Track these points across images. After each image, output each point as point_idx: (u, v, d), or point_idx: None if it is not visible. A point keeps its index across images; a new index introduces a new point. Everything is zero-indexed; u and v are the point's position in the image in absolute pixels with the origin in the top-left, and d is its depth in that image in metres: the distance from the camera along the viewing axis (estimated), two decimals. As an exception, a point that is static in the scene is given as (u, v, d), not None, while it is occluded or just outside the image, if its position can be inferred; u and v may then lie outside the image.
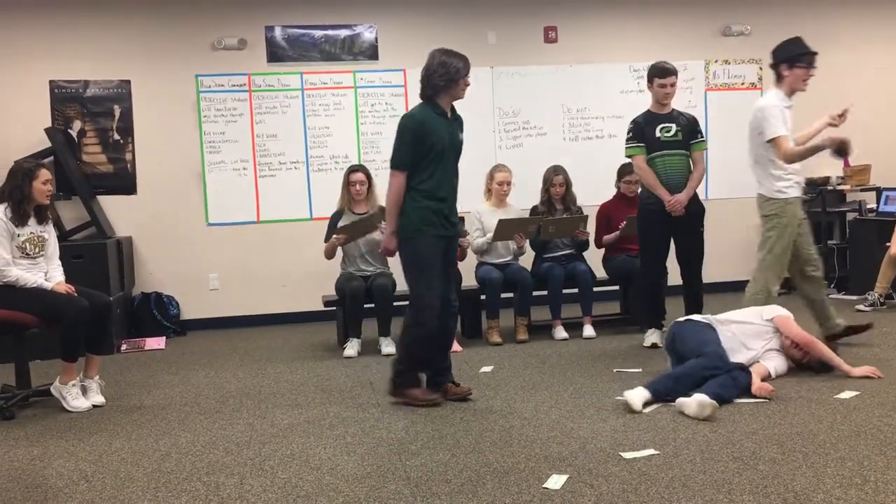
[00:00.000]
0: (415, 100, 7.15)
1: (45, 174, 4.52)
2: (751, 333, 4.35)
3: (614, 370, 4.76)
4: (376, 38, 7.26)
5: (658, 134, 5.26)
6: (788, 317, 4.41)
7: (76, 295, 4.50)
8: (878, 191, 7.45)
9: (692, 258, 5.34)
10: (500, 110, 7.35)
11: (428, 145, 4.10)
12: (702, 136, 5.44)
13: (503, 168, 6.09)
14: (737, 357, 4.24)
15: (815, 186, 7.54)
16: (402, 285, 5.70)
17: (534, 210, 6.16)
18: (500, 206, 6.06)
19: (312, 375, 5.11)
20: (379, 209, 5.63)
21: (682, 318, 4.61)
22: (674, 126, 5.30)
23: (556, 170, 6.10)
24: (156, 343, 6.45)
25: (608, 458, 3.25)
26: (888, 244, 6.46)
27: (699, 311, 4.98)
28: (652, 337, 5.35)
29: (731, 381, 3.97)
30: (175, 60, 7.01)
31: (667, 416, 3.79)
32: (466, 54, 7.22)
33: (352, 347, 5.64)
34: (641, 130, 5.28)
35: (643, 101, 7.27)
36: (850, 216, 7.62)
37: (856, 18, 7.82)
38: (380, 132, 7.22)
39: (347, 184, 5.89)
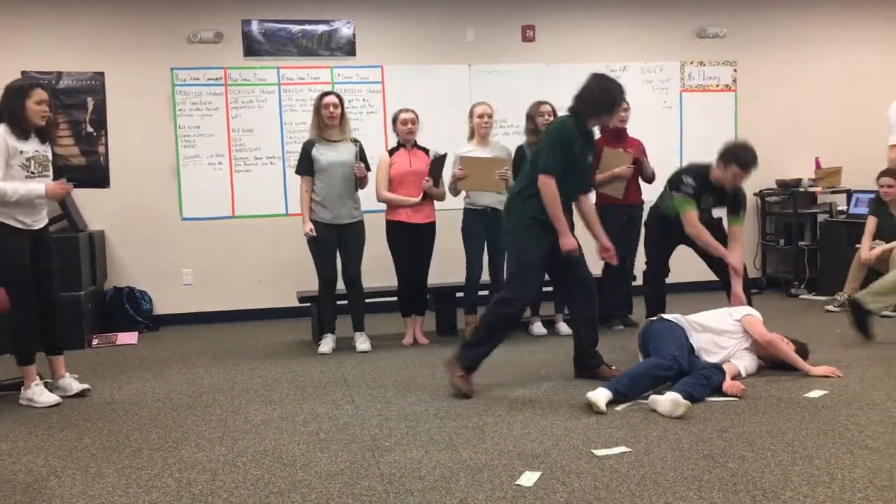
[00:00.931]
0: (392, 96, 7.24)
1: (39, 94, 4.33)
2: (722, 333, 4.41)
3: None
4: (354, 34, 7.24)
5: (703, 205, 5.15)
6: (756, 317, 4.47)
7: (71, 189, 4.57)
8: (849, 193, 7.56)
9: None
10: (477, 108, 7.35)
11: (567, 159, 4.29)
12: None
13: (482, 102, 5.90)
14: (711, 357, 4.29)
15: (787, 188, 7.63)
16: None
17: (518, 150, 5.77)
18: (484, 144, 5.81)
19: (286, 371, 5.09)
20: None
21: (653, 318, 4.65)
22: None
23: (541, 101, 5.81)
24: (128, 338, 6.39)
25: (581, 456, 3.28)
26: (858, 246, 6.56)
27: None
28: None
29: (704, 381, 4.01)
30: (150, 53, 6.95)
31: (639, 415, 3.82)
32: (444, 52, 7.39)
33: (326, 344, 5.63)
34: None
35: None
36: (821, 218, 7.73)
37: (830, 22, 7.92)
38: (357, 128, 7.16)
39: (319, 108, 5.57)
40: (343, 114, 5.61)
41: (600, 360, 4.53)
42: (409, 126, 5.74)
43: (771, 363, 4.50)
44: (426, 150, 5.80)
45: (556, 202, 4.23)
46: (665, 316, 4.56)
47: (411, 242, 5.73)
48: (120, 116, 6.94)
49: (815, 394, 4.05)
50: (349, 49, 7.24)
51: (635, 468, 3.11)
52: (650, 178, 6.09)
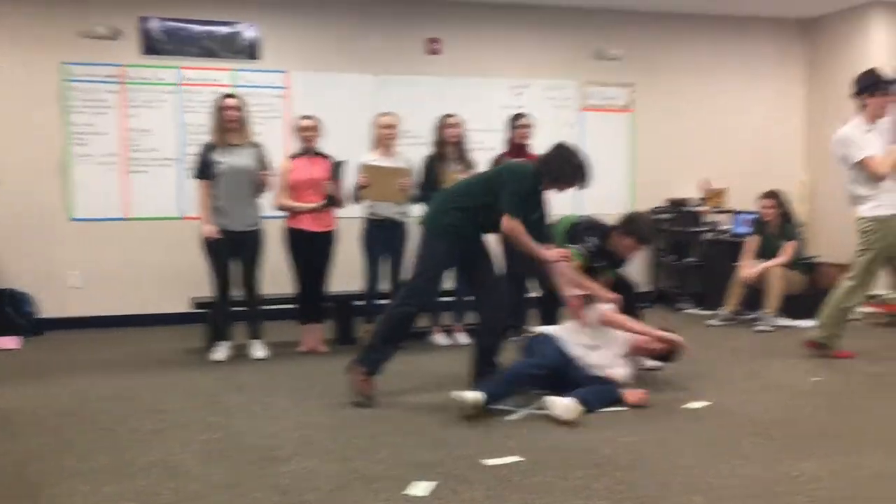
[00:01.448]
0: (296, 102, 7.18)
1: None
2: (598, 341, 4.54)
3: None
4: (258, 38, 7.15)
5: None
6: (612, 314, 4.62)
7: None
8: (732, 213, 7.95)
9: None
10: (381, 118, 7.37)
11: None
12: None
13: (387, 113, 5.93)
14: (590, 367, 4.42)
15: (677, 207, 7.97)
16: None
17: (427, 161, 5.94)
18: (388, 154, 5.84)
19: (178, 379, 4.97)
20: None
21: (537, 329, 4.78)
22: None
23: (449, 115, 6.00)
24: (9, 342, 6.10)
25: (473, 465, 3.34)
26: (739, 264, 6.91)
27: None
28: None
29: (602, 394, 4.18)
30: (39, 46, 6.68)
31: (531, 424, 3.92)
32: (350, 60, 7.39)
33: (221, 351, 5.52)
34: None
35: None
36: (707, 236, 8.10)
37: (719, 52, 8.32)
38: (259, 133, 7.06)
39: (219, 110, 5.47)
40: (244, 117, 5.53)
41: (496, 369, 4.60)
42: (309, 133, 5.71)
43: (648, 356, 4.67)
44: (327, 157, 5.79)
45: (525, 239, 4.29)
46: (546, 329, 4.69)
47: (310, 250, 5.70)
48: (5, 111, 6.63)
49: (696, 405, 4.24)
50: (252, 52, 7.15)
51: (526, 477, 3.19)
52: None
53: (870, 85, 5.24)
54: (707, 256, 7.95)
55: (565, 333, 4.52)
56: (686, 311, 7.64)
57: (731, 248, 7.48)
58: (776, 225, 6.86)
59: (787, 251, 6.74)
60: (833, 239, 8.25)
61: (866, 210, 5.23)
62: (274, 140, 7.06)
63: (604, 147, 7.96)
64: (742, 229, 7.53)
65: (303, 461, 3.39)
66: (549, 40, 7.85)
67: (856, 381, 4.80)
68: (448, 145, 5.94)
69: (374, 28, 7.42)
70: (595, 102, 7.99)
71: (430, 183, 5.81)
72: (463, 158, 5.99)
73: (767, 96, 8.50)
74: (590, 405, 4.04)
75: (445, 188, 4.74)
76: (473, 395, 3.99)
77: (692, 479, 3.17)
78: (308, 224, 5.67)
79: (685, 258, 7.97)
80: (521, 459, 3.40)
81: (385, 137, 5.83)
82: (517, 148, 6.13)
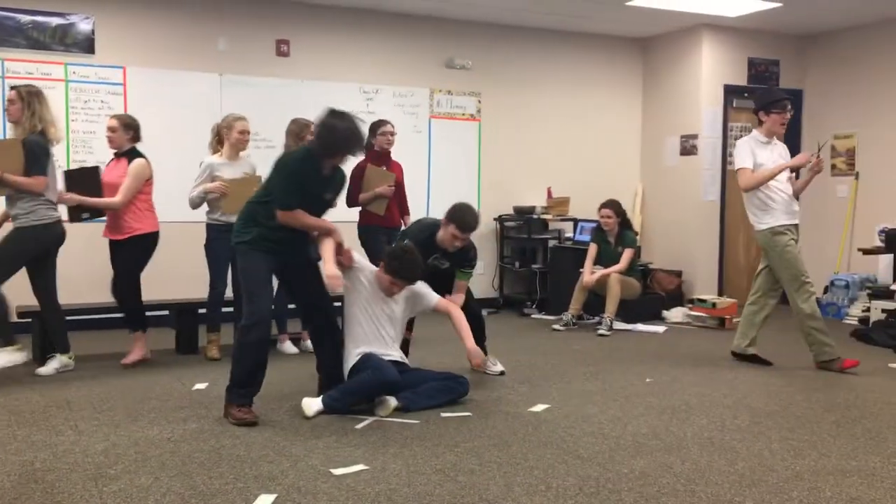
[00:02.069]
0: (135, 99, 6.85)
1: None
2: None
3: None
4: (93, 31, 6.77)
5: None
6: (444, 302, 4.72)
7: None
8: (575, 221, 8.27)
9: None
10: (227, 119, 7.15)
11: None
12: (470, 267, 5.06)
13: (242, 117, 5.64)
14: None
15: (523, 214, 8.20)
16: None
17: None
18: (235, 160, 5.61)
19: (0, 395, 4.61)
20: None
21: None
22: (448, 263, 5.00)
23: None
24: None
25: (318, 475, 3.29)
26: (581, 270, 7.19)
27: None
28: None
29: (439, 390, 4.37)
30: None
31: (378, 432, 3.91)
32: (193, 58, 7.13)
33: (50, 365, 5.16)
34: None
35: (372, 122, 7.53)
36: (551, 243, 8.38)
37: (562, 66, 8.64)
38: (93, 131, 6.73)
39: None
40: (24, 106, 4.95)
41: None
42: (108, 134, 5.45)
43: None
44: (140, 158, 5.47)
45: (306, 221, 4.15)
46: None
47: (113, 259, 5.47)
48: None
49: (539, 408, 4.37)
50: (87, 46, 6.75)
51: (371, 485, 3.18)
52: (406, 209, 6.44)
53: (767, 103, 5.45)
54: (551, 263, 8.22)
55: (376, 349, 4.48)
56: (532, 316, 7.87)
57: (573, 255, 7.78)
58: (615, 233, 7.19)
59: (624, 258, 7.08)
60: (665, 247, 8.77)
61: (762, 225, 5.43)
62: (111, 139, 6.74)
63: (451, 155, 8.10)
64: (584, 237, 7.84)
65: (136, 478, 3.23)
66: (399, 47, 7.89)
67: (686, 381, 5.10)
68: (378, 154, 6.12)
69: (221, 26, 7.20)
70: (444, 110, 8.10)
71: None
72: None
73: (607, 110, 8.91)
74: (411, 404, 4.23)
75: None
76: (313, 409, 4.12)
77: (533, 479, 3.25)
78: (107, 232, 5.45)
79: (531, 265, 8.21)
80: (367, 468, 3.38)
81: (239, 143, 5.61)
82: (378, 155, 6.12)
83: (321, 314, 4.46)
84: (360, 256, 4.60)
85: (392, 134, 6.23)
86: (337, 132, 4.08)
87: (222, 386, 4.22)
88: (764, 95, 5.68)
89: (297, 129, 5.63)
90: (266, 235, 4.13)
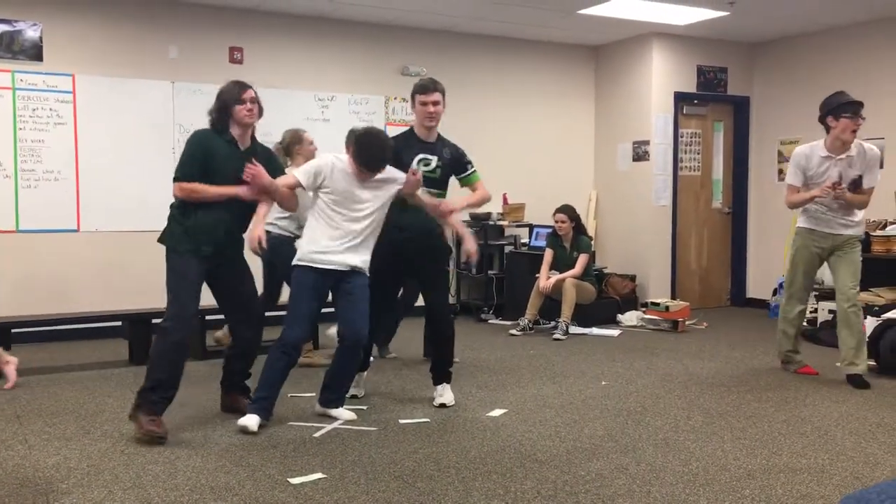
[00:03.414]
0: (84, 108, 6.74)
1: None
2: None
3: (289, 395, 4.75)
4: (41, 38, 6.64)
5: (415, 165, 4.43)
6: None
7: None
8: (531, 227, 8.34)
9: None
10: (180, 127, 7.06)
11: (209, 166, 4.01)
12: (471, 167, 4.68)
13: (303, 130, 5.76)
14: None
15: (479, 220, 8.24)
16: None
17: None
18: None
19: (-55, 410, 4.49)
20: None
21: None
22: (434, 159, 4.54)
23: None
24: None
25: (276, 485, 3.26)
26: (537, 276, 7.25)
27: None
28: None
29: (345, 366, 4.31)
30: None
31: (336, 440, 3.89)
32: (145, 66, 7.05)
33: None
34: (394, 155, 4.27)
35: (328, 130, 7.52)
36: (508, 249, 8.44)
37: (519, 70, 8.71)
38: (42, 140, 6.60)
39: None
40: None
41: (247, 391, 4.36)
42: None
43: None
44: None
45: (199, 190, 3.95)
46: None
47: None
48: None
49: (496, 412, 4.40)
50: (35, 53, 6.62)
51: (329, 494, 3.17)
52: None
53: (831, 109, 4.97)
54: (508, 269, 8.27)
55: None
56: (489, 321, 7.91)
57: (529, 261, 7.84)
58: (570, 238, 7.26)
59: (579, 263, 7.16)
60: (619, 251, 8.88)
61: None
62: (60, 148, 6.62)
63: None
64: (539, 243, 7.91)
65: (88, 492, 3.17)
66: (354, 54, 7.88)
67: (641, 383, 5.17)
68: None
69: (173, 34, 7.11)
70: (399, 117, 8.10)
71: None
72: None
73: (561, 116, 9.00)
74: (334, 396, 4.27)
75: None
76: (254, 420, 4.00)
77: (491, 484, 3.27)
78: None
79: (487, 271, 8.25)
80: (325, 476, 3.36)
81: (313, 154, 5.55)
82: None
83: (247, 325, 4.29)
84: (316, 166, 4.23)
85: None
86: (213, 107, 4.10)
87: (180, 396, 4.15)
88: (830, 99, 5.06)
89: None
90: (189, 230, 3.97)
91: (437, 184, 4.54)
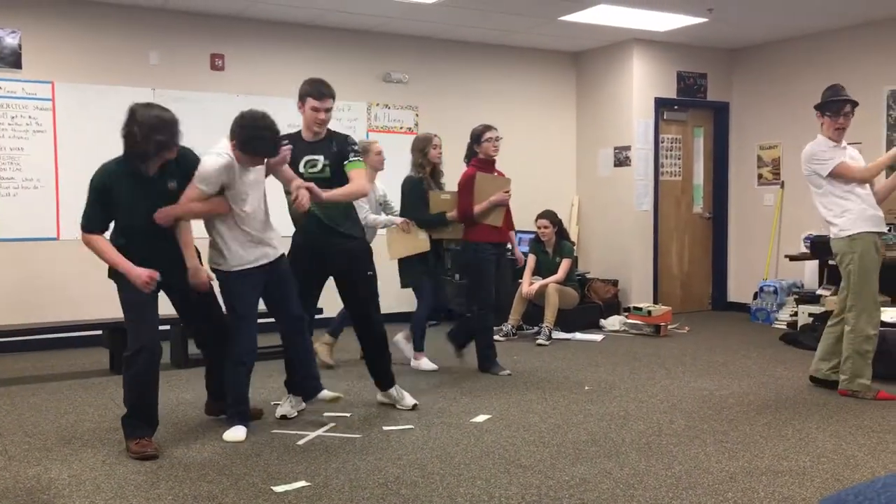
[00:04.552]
0: (64, 115, 6.70)
1: None
2: None
3: (272, 403, 4.74)
4: (20, 46, 6.59)
5: (302, 169, 4.25)
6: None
7: None
8: (514, 233, 8.33)
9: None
10: (161, 134, 7.04)
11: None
12: (354, 156, 4.31)
13: (374, 140, 5.79)
14: None
15: (462, 227, 8.24)
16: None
17: (416, 181, 5.69)
18: (371, 182, 5.64)
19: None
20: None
21: None
22: (321, 159, 4.28)
23: (431, 133, 5.89)
24: None
25: (259, 493, 3.25)
26: (520, 281, 7.27)
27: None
28: None
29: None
30: None
31: (320, 448, 3.88)
32: (125, 73, 7.00)
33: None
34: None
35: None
36: (491, 255, 8.43)
37: (501, 77, 8.74)
38: (21, 147, 6.55)
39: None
40: None
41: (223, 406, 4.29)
42: None
43: None
44: None
45: (101, 252, 3.81)
46: None
47: None
48: None
49: (481, 418, 4.40)
50: (14, 61, 6.57)
51: (313, 502, 3.16)
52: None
53: (824, 103, 4.90)
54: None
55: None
56: (472, 327, 7.90)
57: (512, 266, 7.84)
58: (552, 243, 7.29)
59: (562, 268, 7.18)
60: (601, 256, 8.92)
61: (836, 232, 4.82)
62: (40, 155, 6.57)
63: (390, 168, 8.04)
64: (522, 248, 7.92)
65: (69, 502, 3.14)
66: (336, 61, 7.88)
67: (624, 388, 5.19)
68: (432, 167, 5.80)
69: (154, 40, 7.08)
70: (381, 124, 8.11)
71: (422, 207, 5.64)
72: (438, 181, 5.83)
73: (543, 122, 9.03)
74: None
75: None
76: (240, 434, 4.00)
77: (475, 490, 3.28)
78: None
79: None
80: (309, 484, 3.35)
81: (378, 164, 5.75)
82: (483, 164, 5.69)
83: (211, 331, 4.20)
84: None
85: (498, 139, 5.69)
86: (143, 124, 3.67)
87: (163, 406, 4.13)
88: (824, 94, 4.95)
89: (420, 143, 5.74)
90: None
91: (330, 183, 4.20)
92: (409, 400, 4.62)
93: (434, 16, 7.39)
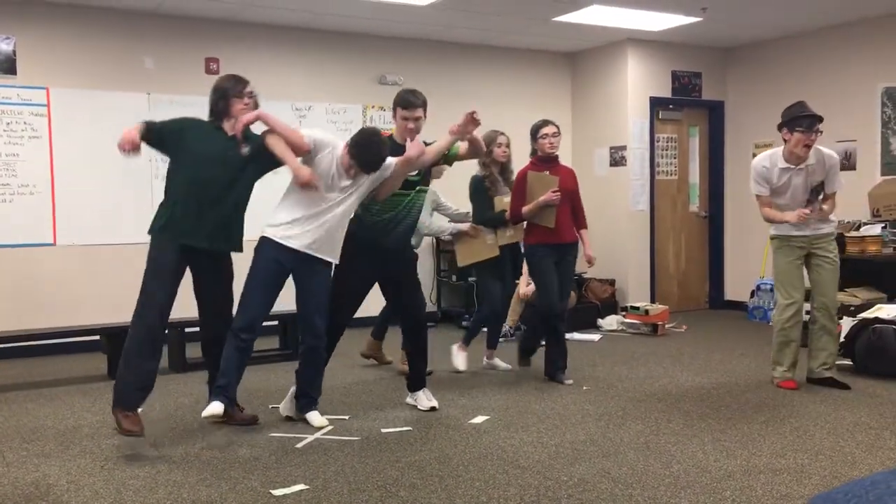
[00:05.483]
0: (59, 120, 6.69)
1: None
2: None
3: (269, 406, 4.74)
4: (14, 52, 6.58)
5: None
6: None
7: None
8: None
9: None
10: (156, 139, 7.03)
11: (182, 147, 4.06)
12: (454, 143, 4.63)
13: (502, 133, 5.72)
14: None
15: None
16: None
17: (479, 180, 5.59)
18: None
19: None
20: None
21: None
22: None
23: (496, 130, 5.66)
24: None
25: (258, 497, 3.25)
26: (517, 282, 7.26)
27: None
28: None
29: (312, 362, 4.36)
30: None
31: (318, 450, 3.88)
32: (120, 77, 7.00)
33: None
34: None
35: (304, 140, 7.52)
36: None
37: (497, 78, 8.74)
38: (16, 153, 6.54)
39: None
40: None
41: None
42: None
43: None
44: None
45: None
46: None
47: None
48: None
49: (478, 419, 4.41)
50: (8, 67, 6.56)
51: (312, 505, 3.16)
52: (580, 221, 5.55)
53: (786, 122, 4.93)
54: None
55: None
56: (469, 328, 7.90)
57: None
58: (549, 244, 7.26)
59: (559, 268, 7.16)
60: (597, 256, 8.88)
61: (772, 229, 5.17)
62: (36, 161, 6.57)
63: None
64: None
65: (69, 509, 3.14)
66: (331, 64, 7.88)
67: (622, 387, 5.20)
68: (498, 165, 5.64)
69: (148, 44, 7.07)
70: (378, 126, 8.09)
71: (481, 206, 5.57)
72: (508, 180, 5.62)
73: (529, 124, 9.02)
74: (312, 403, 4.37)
75: None
76: (215, 409, 3.96)
77: (474, 491, 3.28)
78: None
79: (468, 278, 8.25)
80: (307, 487, 3.36)
81: (503, 156, 5.64)
82: (542, 161, 5.50)
83: (221, 322, 4.20)
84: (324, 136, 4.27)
85: (555, 135, 5.44)
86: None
87: (161, 410, 4.15)
88: (791, 109, 5.00)
89: (484, 141, 5.45)
90: (173, 217, 4.00)
91: (422, 180, 4.57)
92: (427, 402, 4.63)
93: (428, 18, 7.39)
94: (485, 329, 5.89)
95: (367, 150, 4.10)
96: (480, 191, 5.60)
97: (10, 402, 4.99)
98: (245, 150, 4.10)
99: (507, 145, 5.70)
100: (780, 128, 5.02)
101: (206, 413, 3.98)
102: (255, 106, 4.20)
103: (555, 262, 5.28)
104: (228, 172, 4.05)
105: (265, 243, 4.15)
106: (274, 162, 4.16)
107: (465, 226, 5.69)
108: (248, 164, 4.12)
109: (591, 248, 5.53)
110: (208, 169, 4.01)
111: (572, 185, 5.42)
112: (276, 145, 4.10)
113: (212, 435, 4.16)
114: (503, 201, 5.48)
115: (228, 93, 4.13)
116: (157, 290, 3.95)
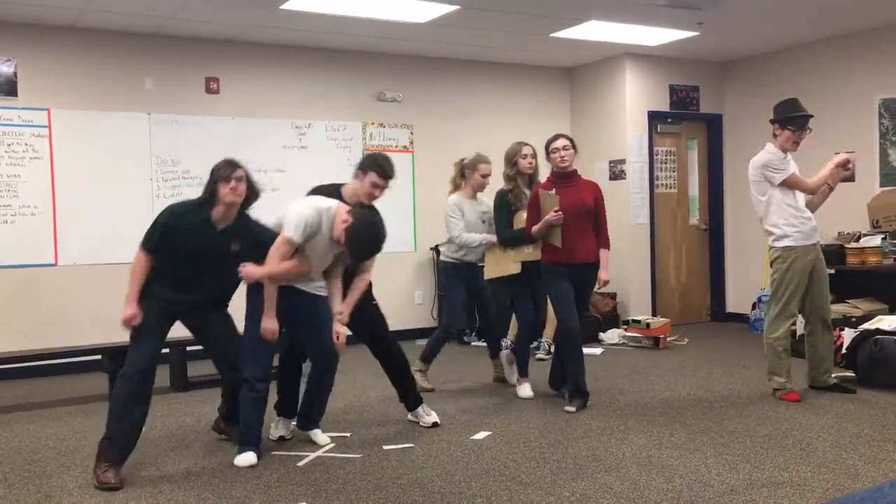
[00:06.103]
0: (61, 142, 6.73)
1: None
2: None
3: (271, 423, 4.73)
4: (15, 74, 6.63)
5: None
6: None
7: None
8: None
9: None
10: (157, 158, 7.07)
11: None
12: None
13: (487, 159, 5.59)
14: None
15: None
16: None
17: (501, 195, 5.39)
18: (473, 199, 5.56)
19: (-78, 451, 4.42)
20: None
21: None
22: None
23: (521, 142, 5.52)
24: None
25: (260, 516, 3.25)
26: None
27: None
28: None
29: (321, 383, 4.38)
30: None
31: (320, 468, 3.88)
32: (120, 98, 7.04)
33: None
34: None
35: (305, 157, 7.59)
36: (489, 271, 8.44)
37: (495, 93, 8.77)
38: (18, 175, 6.57)
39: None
40: None
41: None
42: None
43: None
44: None
45: (134, 277, 3.99)
46: None
47: None
48: None
49: (480, 435, 4.40)
50: (9, 89, 6.60)
51: (314, 524, 3.15)
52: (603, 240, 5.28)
53: (785, 117, 5.10)
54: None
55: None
56: (472, 343, 7.91)
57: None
58: (549, 258, 7.25)
59: (559, 283, 7.15)
60: (600, 269, 8.91)
61: (773, 241, 5.15)
62: (36, 182, 6.60)
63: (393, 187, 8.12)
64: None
65: (71, 531, 3.14)
66: (330, 82, 7.92)
67: (624, 401, 5.19)
68: (524, 177, 5.44)
69: (149, 65, 7.11)
70: (377, 143, 8.14)
71: (502, 222, 5.35)
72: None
73: (537, 137, 8.89)
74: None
75: None
76: (250, 460, 3.95)
77: (476, 509, 3.27)
78: None
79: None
80: (309, 506, 3.35)
81: (481, 185, 5.59)
82: (557, 177, 5.24)
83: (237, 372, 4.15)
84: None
85: (565, 148, 5.19)
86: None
87: (162, 429, 4.15)
88: (782, 107, 5.17)
89: (509, 154, 5.49)
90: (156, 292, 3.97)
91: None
92: (429, 418, 4.63)
93: (426, 35, 7.44)
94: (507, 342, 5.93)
95: (367, 248, 4.05)
96: (502, 207, 5.37)
97: (11, 423, 4.99)
98: (235, 247, 4.03)
99: (533, 156, 5.47)
100: (772, 122, 5.18)
101: (240, 462, 3.94)
102: (249, 186, 4.05)
103: (572, 282, 5.00)
104: (216, 261, 4.00)
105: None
106: (263, 254, 4.01)
107: (493, 237, 5.49)
108: (239, 253, 4.04)
109: (606, 270, 5.21)
110: (197, 262, 3.97)
111: (588, 201, 5.11)
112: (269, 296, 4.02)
113: (214, 454, 4.15)
114: (522, 218, 5.30)
115: (217, 176, 3.99)
116: (141, 351, 3.91)
